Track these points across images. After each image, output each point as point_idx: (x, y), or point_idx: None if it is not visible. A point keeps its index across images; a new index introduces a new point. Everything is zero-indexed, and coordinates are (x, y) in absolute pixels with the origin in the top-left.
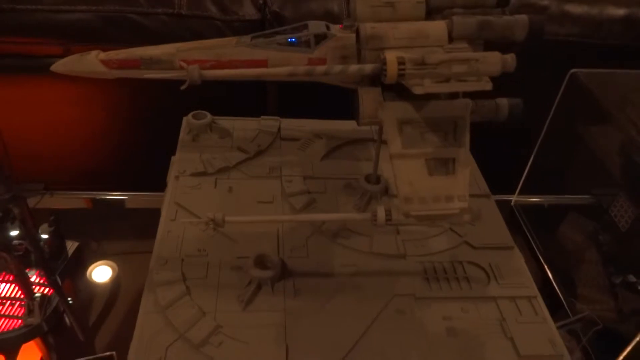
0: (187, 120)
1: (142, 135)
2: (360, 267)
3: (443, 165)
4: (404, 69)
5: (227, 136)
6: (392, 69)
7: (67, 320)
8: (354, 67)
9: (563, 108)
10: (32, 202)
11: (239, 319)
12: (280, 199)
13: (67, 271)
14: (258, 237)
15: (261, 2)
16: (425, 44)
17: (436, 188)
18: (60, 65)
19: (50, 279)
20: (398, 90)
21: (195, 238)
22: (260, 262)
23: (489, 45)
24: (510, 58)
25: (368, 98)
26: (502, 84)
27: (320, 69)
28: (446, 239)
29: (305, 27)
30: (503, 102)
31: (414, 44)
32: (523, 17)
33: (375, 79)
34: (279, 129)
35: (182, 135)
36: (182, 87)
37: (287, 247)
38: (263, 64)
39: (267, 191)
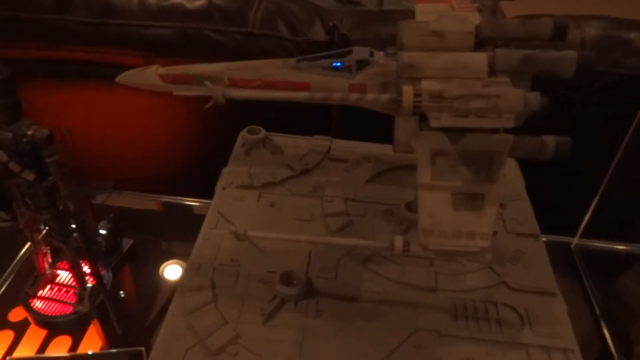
0: (243, 134)
1: (212, 146)
2: (387, 295)
3: (470, 200)
4: (419, 101)
5: (278, 152)
6: (407, 101)
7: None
8: (370, 96)
9: (634, 148)
10: (100, 199)
11: (258, 332)
12: (319, 219)
13: (120, 266)
14: (290, 254)
15: (332, 25)
16: (463, 75)
17: (459, 223)
18: (123, 77)
19: (92, 271)
20: None
21: (231, 248)
22: (287, 278)
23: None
24: (534, 96)
25: (404, 126)
26: (576, 118)
27: (337, 95)
28: (483, 276)
29: (350, 52)
30: (550, 139)
31: (451, 75)
32: (571, 53)
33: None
34: (329, 149)
35: (236, 148)
36: (207, 106)
37: (317, 266)
38: (305, 86)
39: (307, 209)
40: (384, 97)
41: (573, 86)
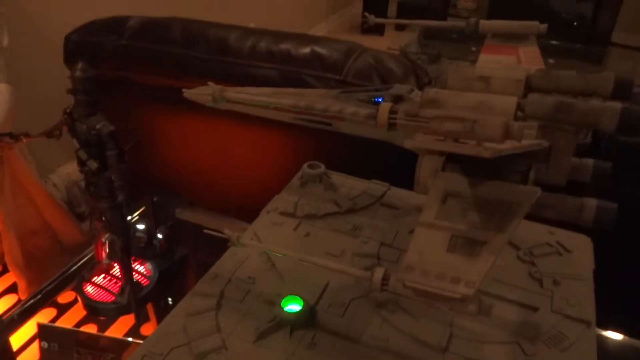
0: (303, 167)
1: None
2: (390, 345)
3: (469, 245)
4: (394, 118)
5: (331, 190)
6: (382, 116)
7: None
8: (350, 109)
9: None
10: (179, 212)
11: (246, 348)
12: (348, 257)
13: (172, 272)
14: (307, 283)
15: (426, 81)
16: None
17: (447, 266)
18: (188, 93)
19: (126, 267)
20: (464, 164)
21: (252, 267)
22: (289, 302)
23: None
24: (518, 127)
25: (427, 165)
26: None
27: (320, 106)
28: (505, 351)
29: (391, 88)
30: (590, 203)
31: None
32: (614, 106)
33: None
34: (384, 194)
35: (294, 179)
36: (207, 104)
37: (328, 300)
38: (339, 115)
39: (339, 245)
40: (363, 111)
41: None
